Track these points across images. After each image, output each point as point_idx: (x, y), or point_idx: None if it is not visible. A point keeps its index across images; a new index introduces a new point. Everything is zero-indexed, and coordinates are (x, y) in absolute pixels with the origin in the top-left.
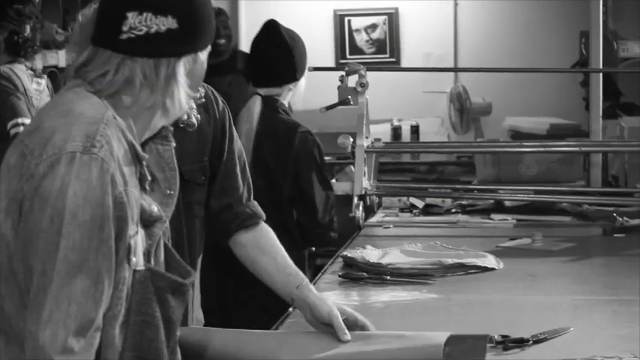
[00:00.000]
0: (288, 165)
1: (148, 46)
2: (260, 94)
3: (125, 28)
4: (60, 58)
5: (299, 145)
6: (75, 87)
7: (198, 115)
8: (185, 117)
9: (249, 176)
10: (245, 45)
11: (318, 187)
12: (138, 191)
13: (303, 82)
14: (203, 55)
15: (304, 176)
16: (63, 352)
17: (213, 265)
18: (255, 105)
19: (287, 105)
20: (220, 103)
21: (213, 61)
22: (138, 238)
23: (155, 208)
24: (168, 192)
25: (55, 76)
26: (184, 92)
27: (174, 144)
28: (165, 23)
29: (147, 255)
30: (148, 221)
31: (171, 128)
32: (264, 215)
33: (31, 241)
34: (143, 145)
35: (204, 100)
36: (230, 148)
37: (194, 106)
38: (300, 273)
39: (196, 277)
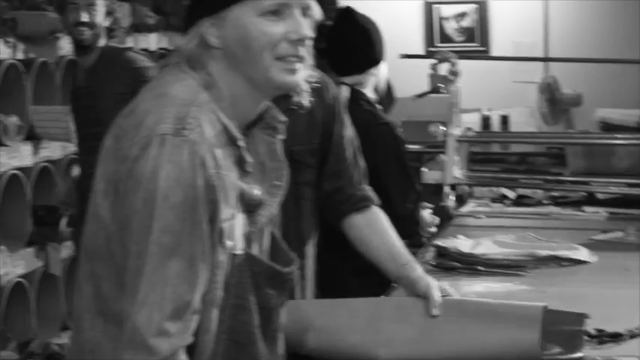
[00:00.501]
0: (369, 159)
1: (201, 6)
2: (347, 84)
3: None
4: (150, 41)
5: (377, 138)
6: (171, 69)
7: (312, 98)
8: (297, 98)
9: (361, 162)
10: None
11: (395, 178)
12: (234, 174)
13: (384, 66)
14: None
15: (381, 168)
16: (159, 335)
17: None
18: (344, 95)
19: (373, 91)
20: (333, 88)
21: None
22: (235, 222)
23: (257, 192)
24: (276, 182)
25: None
26: (260, 49)
27: (282, 136)
28: None
29: (248, 240)
30: (249, 205)
31: (283, 119)
32: (376, 199)
33: (126, 222)
34: (249, 131)
35: (318, 84)
36: (340, 133)
37: (307, 88)
38: (408, 253)
39: (310, 265)
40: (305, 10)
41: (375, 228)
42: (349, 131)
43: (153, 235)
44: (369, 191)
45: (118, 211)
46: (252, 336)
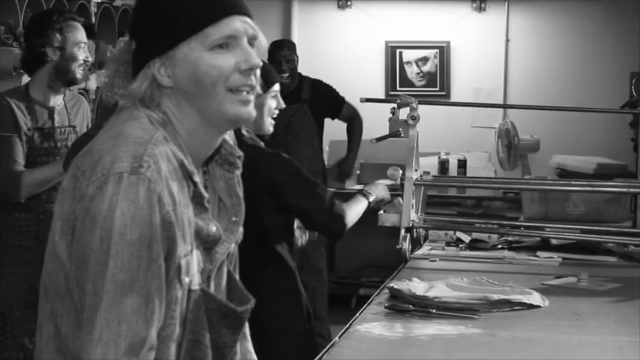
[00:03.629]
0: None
1: (149, 48)
2: None
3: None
4: None
5: (269, 167)
6: (126, 108)
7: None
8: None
9: None
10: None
11: (299, 193)
12: (191, 210)
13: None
14: (212, 36)
15: (281, 189)
16: None
17: None
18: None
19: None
20: None
21: (280, 92)
22: (191, 258)
23: (214, 228)
24: (233, 219)
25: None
26: (212, 83)
27: (239, 171)
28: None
29: (206, 277)
30: (206, 242)
31: (240, 154)
32: None
33: (83, 261)
34: (207, 166)
35: None
36: None
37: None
38: None
39: None
40: (252, 40)
41: None
42: None
43: (109, 273)
44: None
45: (75, 249)
46: None
